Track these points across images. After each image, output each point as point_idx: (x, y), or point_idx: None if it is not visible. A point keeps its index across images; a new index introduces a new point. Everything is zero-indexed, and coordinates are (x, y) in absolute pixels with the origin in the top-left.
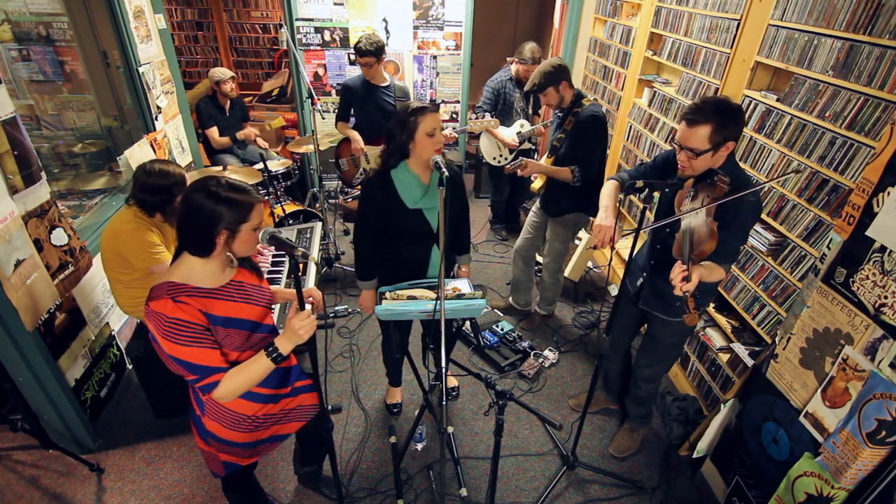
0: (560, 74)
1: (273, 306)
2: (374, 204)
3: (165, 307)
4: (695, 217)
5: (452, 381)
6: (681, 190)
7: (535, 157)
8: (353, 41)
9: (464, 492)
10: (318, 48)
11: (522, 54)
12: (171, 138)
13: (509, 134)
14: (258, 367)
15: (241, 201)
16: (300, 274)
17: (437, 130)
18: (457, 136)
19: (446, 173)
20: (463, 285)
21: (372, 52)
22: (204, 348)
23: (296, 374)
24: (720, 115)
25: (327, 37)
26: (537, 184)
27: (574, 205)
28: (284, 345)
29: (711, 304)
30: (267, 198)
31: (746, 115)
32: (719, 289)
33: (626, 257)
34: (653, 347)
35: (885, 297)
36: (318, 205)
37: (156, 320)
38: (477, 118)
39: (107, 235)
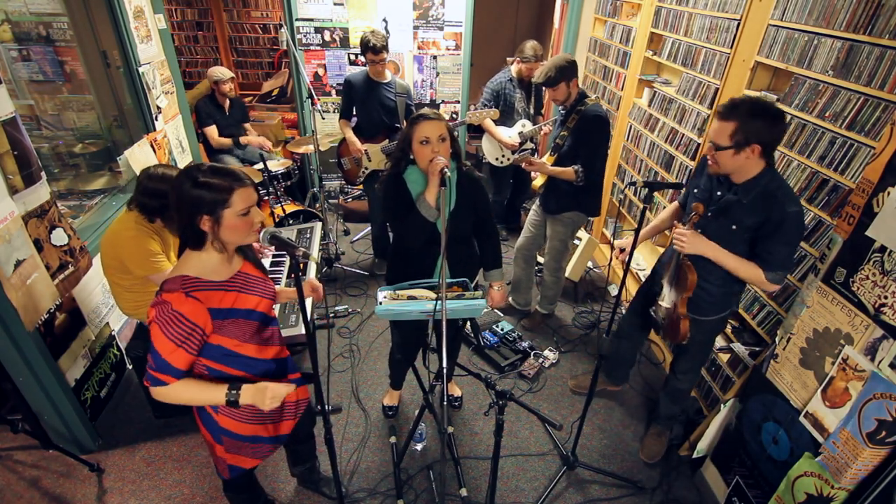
0: (573, 70)
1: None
2: (386, 199)
3: (177, 299)
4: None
5: (456, 390)
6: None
7: (536, 156)
8: (353, 41)
9: (464, 492)
10: (318, 48)
11: (524, 52)
12: (171, 138)
13: (509, 134)
14: (210, 395)
15: (218, 185)
16: (300, 274)
17: (434, 138)
18: (455, 131)
19: (448, 173)
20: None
21: (385, 47)
22: (181, 350)
23: (291, 366)
24: (747, 115)
25: (327, 37)
26: (538, 182)
27: (572, 203)
28: (246, 396)
29: None
30: (267, 197)
31: None
32: None
33: (627, 258)
34: (686, 347)
35: (885, 297)
36: (318, 205)
37: (161, 308)
38: (477, 109)
39: (107, 240)
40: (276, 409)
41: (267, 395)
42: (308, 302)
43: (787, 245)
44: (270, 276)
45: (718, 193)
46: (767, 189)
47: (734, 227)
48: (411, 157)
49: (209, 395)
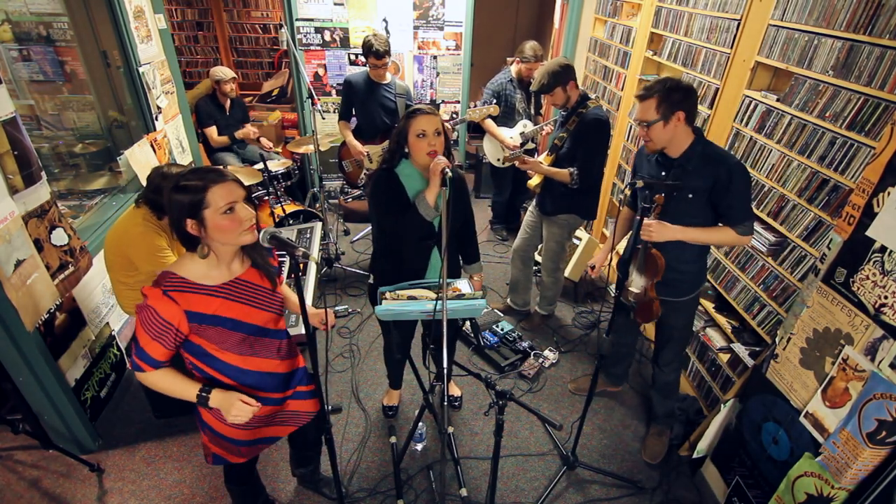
0: (567, 74)
1: (285, 311)
2: (379, 195)
3: (154, 295)
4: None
5: (455, 390)
6: (674, 191)
7: (535, 155)
8: (353, 41)
9: (464, 492)
10: (318, 48)
11: (524, 53)
12: (171, 138)
13: (511, 135)
14: (184, 389)
15: (192, 186)
16: (300, 274)
17: (430, 132)
18: (456, 129)
19: (449, 174)
20: (463, 285)
21: (388, 52)
22: (157, 343)
23: (299, 378)
24: (664, 90)
25: (327, 37)
26: (534, 181)
27: (568, 206)
28: (215, 400)
29: (711, 305)
30: (267, 197)
31: (747, 116)
32: (719, 288)
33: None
34: (669, 333)
35: (885, 298)
36: (318, 205)
37: (143, 301)
38: (476, 107)
39: (114, 236)
40: (259, 417)
41: (232, 410)
42: (308, 303)
43: (743, 195)
44: None
45: (663, 174)
46: (705, 153)
47: (691, 195)
48: (406, 151)
49: (184, 389)
